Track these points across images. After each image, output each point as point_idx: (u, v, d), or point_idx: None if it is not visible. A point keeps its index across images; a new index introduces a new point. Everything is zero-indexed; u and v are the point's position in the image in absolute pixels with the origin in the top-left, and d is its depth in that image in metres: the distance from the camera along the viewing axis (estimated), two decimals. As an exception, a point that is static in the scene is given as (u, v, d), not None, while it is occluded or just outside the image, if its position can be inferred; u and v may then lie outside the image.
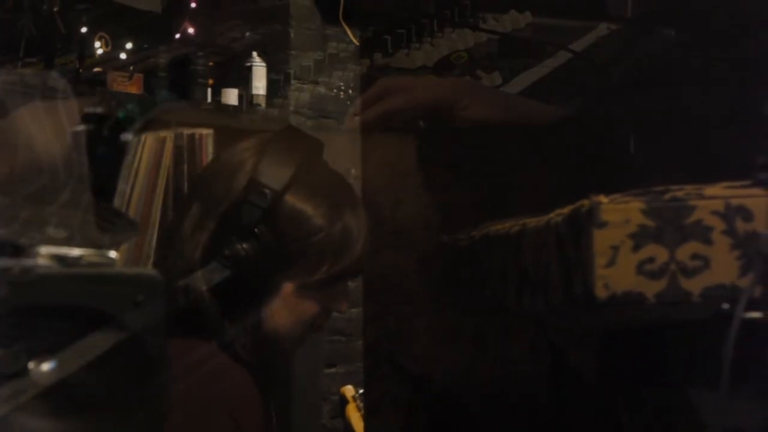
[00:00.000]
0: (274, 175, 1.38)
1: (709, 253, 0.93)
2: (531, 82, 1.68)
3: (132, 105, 2.77)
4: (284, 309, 1.41)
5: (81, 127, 1.01)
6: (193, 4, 3.21)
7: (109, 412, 0.76)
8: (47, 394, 0.72)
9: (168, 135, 2.82)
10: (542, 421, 1.40)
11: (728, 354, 0.88)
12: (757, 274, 0.92)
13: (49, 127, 1.00)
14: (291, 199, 1.39)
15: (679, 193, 0.95)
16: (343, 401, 2.68)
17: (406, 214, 1.57)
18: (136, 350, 0.76)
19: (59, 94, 1.02)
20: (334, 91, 3.39)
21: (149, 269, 0.78)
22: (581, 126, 1.51)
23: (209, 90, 3.16)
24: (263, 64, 3.22)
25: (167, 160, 2.79)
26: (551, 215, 1.04)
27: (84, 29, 2.89)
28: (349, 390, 2.68)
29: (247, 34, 3.35)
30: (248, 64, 3.21)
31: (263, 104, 3.19)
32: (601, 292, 0.93)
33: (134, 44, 3.04)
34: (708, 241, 0.93)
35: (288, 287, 1.40)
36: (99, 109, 2.64)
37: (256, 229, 1.36)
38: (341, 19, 3.26)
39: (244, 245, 1.36)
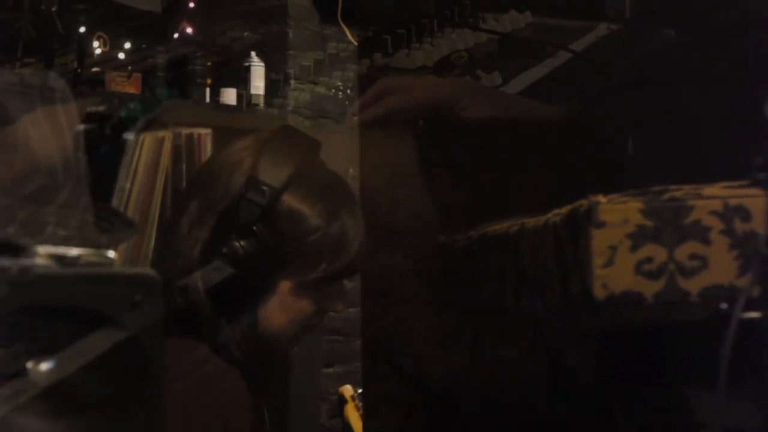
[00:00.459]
0: (273, 173, 1.39)
1: (707, 253, 0.93)
2: (531, 82, 1.68)
3: (134, 104, 2.77)
4: (280, 307, 1.41)
5: (80, 128, 1.01)
6: (192, 4, 3.21)
7: (108, 412, 0.76)
8: (46, 394, 0.72)
9: (166, 135, 2.82)
10: (540, 422, 1.40)
11: (726, 354, 0.88)
12: (755, 274, 0.92)
13: (48, 129, 1.00)
14: (289, 199, 1.40)
15: (678, 193, 0.95)
16: (342, 401, 2.68)
17: (405, 214, 1.57)
18: (135, 350, 0.76)
19: (58, 94, 1.02)
20: (333, 91, 3.39)
21: (147, 269, 0.78)
22: (581, 126, 1.51)
23: (208, 90, 3.16)
24: (262, 64, 3.21)
25: (166, 159, 2.79)
26: (549, 215, 1.04)
27: (83, 29, 2.88)
28: (347, 390, 2.68)
29: (246, 34, 3.35)
30: (247, 64, 3.20)
31: (262, 104, 3.19)
32: (599, 292, 0.93)
33: (133, 44, 3.04)
34: (706, 241, 0.93)
35: (285, 285, 1.41)
36: (101, 108, 2.65)
37: (254, 227, 1.37)
38: (340, 19, 3.26)
39: (243, 243, 1.37)
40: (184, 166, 2.79)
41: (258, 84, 3.21)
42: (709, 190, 0.95)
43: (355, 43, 3.18)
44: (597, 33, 1.71)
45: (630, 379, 1.16)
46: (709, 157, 1.28)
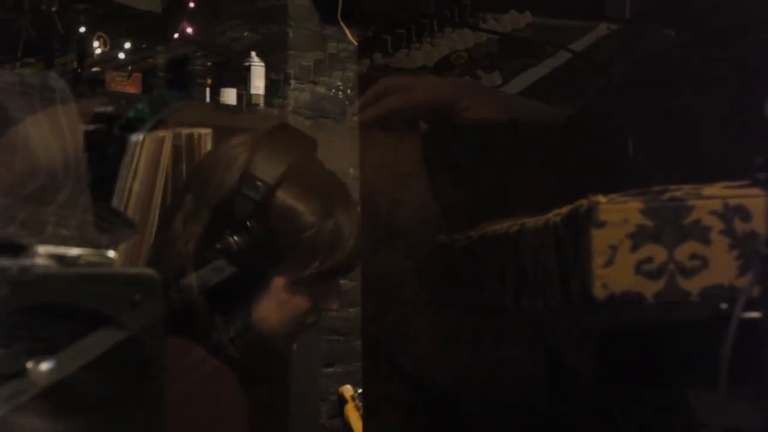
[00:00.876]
0: (268, 169, 1.40)
1: (707, 253, 0.93)
2: (531, 82, 1.68)
3: (142, 105, 2.77)
4: (274, 304, 1.41)
5: (80, 128, 1.01)
6: (192, 4, 3.21)
7: (108, 412, 0.76)
8: (46, 394, 0.72)
9: (166, 135, 2.82)
10: (540, 422, 1.40)
11: (726, 354, 0.88)
12: (755, 274, 0.92)
13: (49, 129, 1.00)
14: (283, 195, 1.40)
15: (678, 193, 0.95)
16: (342, 401, 2.68)
17: (405, 214, 1.57)
18: (135, 350, 0.76)
19: (58, 94, 1.02)
20: (333, 91, 3.39)
21: (147, 269, 0.79)
22: (581, 126, 1.51)
23: (208, 90, 3.16)
24: (262, 64, 3.22)
25: (166, 159, 2.79)
26: (549, 215, 1.04)
27: (83, 29, 2.88)
28: (347, 390, 2.68)
29: (246, 34, 3.35)
30: (247, 64, 3.21)
31: (262, 104, 3.20)
32: (599, 292, 0.93)
33: (133, 44, 3.04)
34: (706, 241, 0.93)
35: (278, 282, 1.41)
36: (109, 109, 2.66)
37: (248, 223, 1.37)
38: (340, 19, 3.26)
39: (236, 238, 1.37)
40: (184, 166, 2.79)
41: (258, 84, 3.21)
42: (709, 190, 0.95)
43: (355, 43, 3.18)
44: (597, 33, 1.71)
45: (630, 379, 1.16)
46: (709, 157, 1.28)
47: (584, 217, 0.95)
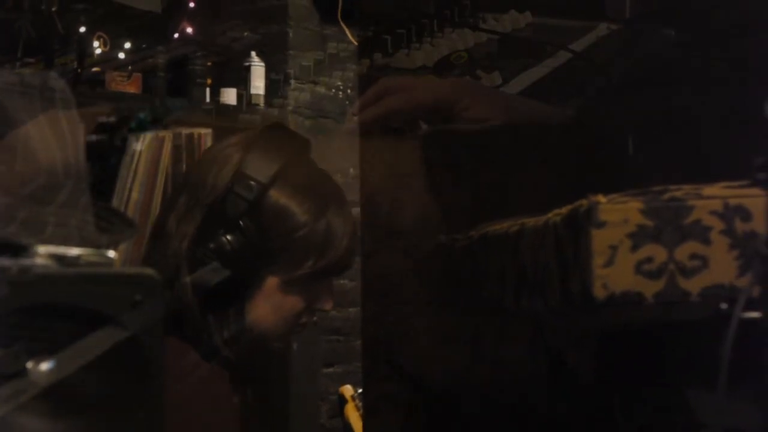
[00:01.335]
0: (261, 168, 1.40)
1: (707, 253, 0.93)
2: (531, 82, 1.68)
3: (145, 114, 2.78)
4: (268, 303, 1.42)
5: (80, 128, 1.01)
6: (192, 4, 3.21)
7: (108, 412, 0.76)
8: (46, 394, 0.72)
9: (167, 135, 2.82)
10: (540, 422, 1.40)
11: (726, 354, 0.88)
12: (755, 274, 0.92)
13: (48, 128, 1.00)
14: (276, 195, 1.40)
15: (678, 193, 0.95)
16: (342, 401, 2.68)
17: (405, 214, 1.57)
18: (135, 350, 0.76)
19: (58, 94, 1.02)
20: (333, 91, 3.39)
21: (147, 269, 0.79)
22: (581, 126, 1.51)
23: (208, 90, 3.16)
24: (262, 63, 3.22)
25: (166, 159, 2.79)
26: (549, 215, 1.04)
27: (83, 29, 2.88)
28: (347, 390, 2.68)
29: (246, 34, 3.35)
30: (247, 64, 3.21)
31: (262, 104, 3.20)
32: (599, 292, 0.93)
33: (133, 44, 3.04)
34: (706, 241, 0.93)
35: (272, 282, 1.41)
36: (112, 119, 2.66)
37: (241, 222, 1.38)
38: (340, 19, 3.26)
39: (229, 237, 1.37)
40: (184, 166, 2.79)
41: (258, 84, 3.21)
42: (709, 190, 0.95)
43: (355, 43, 3.18)
44: (597, 33, 1.71)
45: (630, 379, 1.16)
46: (709, 157, 1.28)
47: (584, 217, 0.95)
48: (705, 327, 0.94)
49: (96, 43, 2.93)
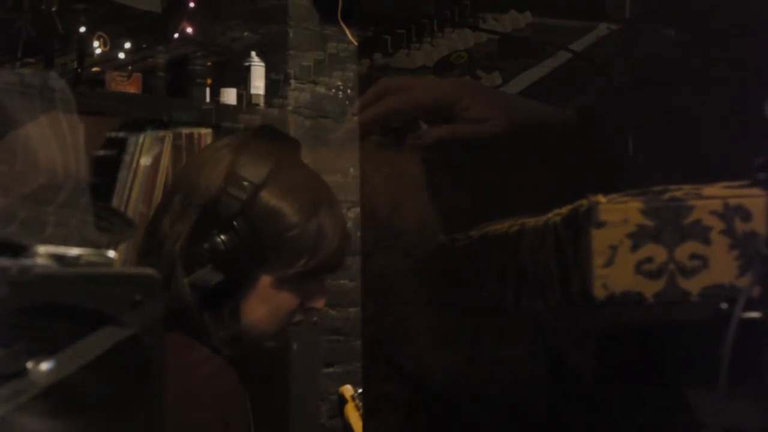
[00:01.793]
0: (253, 169, 1.43)
1: (707, 253, 0.93)
2: (531, 82, 1.68)
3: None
4: (261, 302, 1.44)
5: (80, 128, 1.01)
6: (192, 4, 3.21)
7: (108, 412, 0.76)
8: (46, 394, 0.72)
9: (167, 135, 2.82)
10: (540, 422, 1.40)
11: (726, 354, 0.88)
12: (755, 274, 0.92)
13: (49, 128, 1.00)
14: (267, 196, 1.43)
15: (678, 193, 0.95)
16: (342, 401, 2.68)
17: (405, 214, 1.57)
18: (135, 350, 0.76)
19: (58, 94, 1.02)
20: (333, 91, 3.39)
21: (147, 269, 0.79)
22: (582, 126, 1.51)
23: (208, 90, 3.16)
24: (262, 63, 3.21)
25: (166, 159, 2.79)
26: (549, 215, 1.04)
27: (83, 29, 2.88)
28: (347, 389, 2.68)
29: (246, 34, 3.35)
30: (247, 64, 3.20)
31: (262, 104, 3.19)
32: (599, 292, 0.93)
33: (133, 44, 3.04)
34: (706, 241, 0.93)
35: (265, 280, 1.44)
36: (121, 134, 2.67)
37: (234, 222, 1.39)
38: (340, 19, 3.26)
39: (223, 237, 1.40)
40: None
41: (258, 84, 3.21)
42: (709, 190, 0.95)
43: (355, 43, 3.18)
44: (597, 33, 1.71)
45: (630, 379, 1.16)
46: (709, 157, 1.28)
47: (584, 217, 0.95)
48: (705, 327, 0.94)
49: (96, 43, 2.93)
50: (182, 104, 3.03)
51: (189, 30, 3.19)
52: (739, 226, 0.93)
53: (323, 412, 3.27)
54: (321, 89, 3.38)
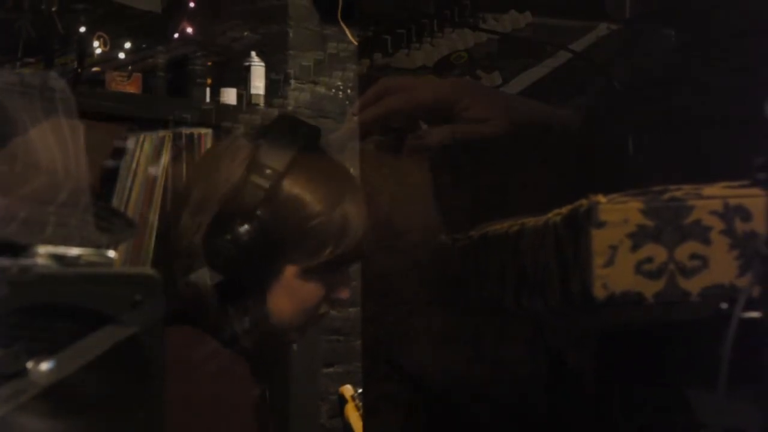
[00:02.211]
0: (275, 157, 1.39)
1: (707, 253, 0.93)
2: (531, 82, 1.68)
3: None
4: (287, 294, 1.40)
5: (80, 128, 1.01)
6: (192, 4, 3.21)
7: (108, 412, 0.76)
8: (46, 394, 0.72)
9: (167, 135, 2.82)
10: (540, 422, 1.41)
11: (726, 354, 0.88)
12: (755, 274, 0.92)
13: (49, 128, 1.00)
14: (291, 184, 1.39)
15: (678, 193, 0.95)
16: (342, 401, 2.68)
17: (405, 214, 1.57)
18: (135, 350, 0.76)
19: (58, 94, 1.02)
20: (333, 91, 3.39)
21: (147, 269, 0.78)
22: (581, 126, 1.51)
23: (208, 90, 3.16)
24: (262, 63, 3.22)
25: (166, 159, 2.79)
26: (549, 215, 1.04)
27: (83, 29, 2.88)
28: (347, 389, 2.68)
29: (246, 34, 3.35)
30: (247, 64, 3.21)
31: (262, 104, 3.20)
32: (599, 292, 0.93)
33: (133, 44, 3.04)
34: (706, 241, 0.93)
35: (291, 271, 1.40)
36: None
37: (258, 212, 1.36)
38: (340, 19, 3.26)
39: (248, 227, 1.35)
40: (184, 166, 2.79)
41: (258, 84, 3.21)
42: (709, 190, 0.95)
43: (355, 43, 3.18)
44: (597, 33, 1.71)
45: (630, 379, 1.16)
46: (709, 157, 1.28)
47: (584, 217, 0.95)
48: (705, 327, 0.94)
49: (96, 43, 2.93)
50: (182, 104, 3.03)
51: (189, 30, 3.19)
52: (739, 226, 0.93)
53: (323, 412, 3.27)
54: (321, 89, 3.38)
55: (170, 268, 1.38)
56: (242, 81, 3.20)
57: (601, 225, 0.93)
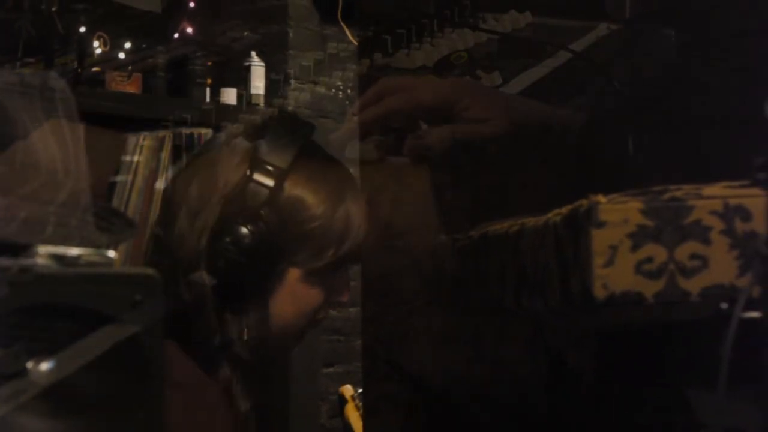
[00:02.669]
0: (278, 154, 1.35)
1: (707, 253, 0.93)
2: (531, 82, 1.68)
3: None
4: (290, 297, 1.36)
5: (80, 128, 1.01)
6: (192, 4, 3.21)
7: (108, 412, 0.76)
8: (46, 394, 0.72)
9: (167, 135, 2.82)
10: (540, 422, 1.40)
11: (726, 354, 0.88)
12: (755, 274, 0.92)
13: (49, 128, 1.00)
14: (292, 184, 1.36)
15: (678, 193, 0.95)
16: (342, 401, 2.68)
17: (405, 214, 1.57)
18: (135, 350, 0.76)
19: (58, 94, 1.02)
20: (333, 91, 3.39)
21: (147, 269, 0.78)
22: (581, 126, 1.51)
23: (208, 90, 3.16)
24: (262, 63, 3.22)
25: (166, 159, 2.79)
26: (549, 215, 1.04)
27: (83, 29, 2.89)
28: (347, 389, 2.68)
29: (246, 34, 3.35)
30: (247, 64, 3.21)
31: (262, 104, 3.20)
32: (599, 292, 0.93)
33: (133, 44, 3.04)
34: (706, 241, 0.93)
35: (294, 274, 1.36)
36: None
37: (261, 211, 1.32)
38: (340, 19, 3.26)
39: (251, 228, 1.31)
40: (183, 166, 2.78)
41: (258, 84, 3.21)
42: (709, 190, 0.95)
43: (355, 43, 3.18)
44: (597, 33, 1.71)
45: (630, 379, 1.16)
46: (709, 157, 1.28)
47: (584, 217, 0.95)
48: (705, 327, 0.94)
49: (96, 43, 2.93)
50: (182, 104, 3.03)
51: (189, 30, 3.19)
52: (739, 226, 0.93)
53: (323, 412, 3.27)
54: (321, 89, 3.38)
55: (164, 271, 1.35)
56: (242, 81, 3.20)
57: (601, 225, 0.93)
